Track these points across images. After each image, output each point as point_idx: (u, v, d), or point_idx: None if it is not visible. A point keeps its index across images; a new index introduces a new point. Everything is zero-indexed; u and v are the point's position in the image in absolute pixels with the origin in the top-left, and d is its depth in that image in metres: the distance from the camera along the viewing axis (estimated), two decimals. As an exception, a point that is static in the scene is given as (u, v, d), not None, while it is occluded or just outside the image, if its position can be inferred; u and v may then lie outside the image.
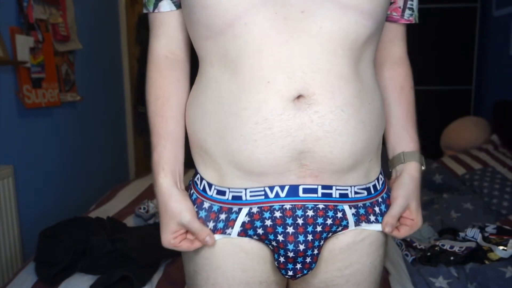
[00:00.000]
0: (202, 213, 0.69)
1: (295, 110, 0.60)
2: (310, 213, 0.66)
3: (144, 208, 1.87)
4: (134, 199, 2.16)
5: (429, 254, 1.46)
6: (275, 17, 0.60)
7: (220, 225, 0.68)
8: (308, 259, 0.68)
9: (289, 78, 0.60)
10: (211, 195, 0.69)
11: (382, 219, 0.71)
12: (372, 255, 0.73)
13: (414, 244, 1.53)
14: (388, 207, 0.72)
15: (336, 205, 0.67)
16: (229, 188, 0.67)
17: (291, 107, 0.60)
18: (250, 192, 0.66)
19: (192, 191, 0.72)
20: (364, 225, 0.69)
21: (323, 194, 0.65)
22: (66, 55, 2.49)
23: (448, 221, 1.85)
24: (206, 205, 0.69)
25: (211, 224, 0.68)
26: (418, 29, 3.01)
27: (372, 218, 0.70)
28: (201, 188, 0.70)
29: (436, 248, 1.47)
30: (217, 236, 0.68)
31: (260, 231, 0.67)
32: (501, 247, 1.44)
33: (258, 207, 0.66)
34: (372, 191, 0.71)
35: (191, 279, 0.76)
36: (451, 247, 1.46)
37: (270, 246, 0.69)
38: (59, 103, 2.33)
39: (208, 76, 0.67)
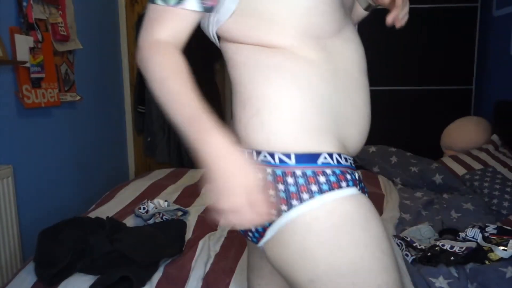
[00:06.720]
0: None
1: None
2: None
3: (143, 208, 1.86)
4: (134, 199, 2.16)
5: (429, 254, 1.46)
6: None
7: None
8: None
9: None
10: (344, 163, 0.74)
11: None
12: None
13: (414, 244, 1.53)
14: None
15: None
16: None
17: None
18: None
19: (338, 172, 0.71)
20: None
21: None
22: (66, 55, 2.49)
23: (449, 221, 1.85)
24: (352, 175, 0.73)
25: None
26: (418, 29, 3.02)
27: None
28: (343, 162, 0.73)
29: (436, 248, 1.47)
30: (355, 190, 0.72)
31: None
32: (501, 247, 1.43)
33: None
34: None
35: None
36: (451, 247, 1.45)
37: None
38: (58, 103, 2.33)
39: None
